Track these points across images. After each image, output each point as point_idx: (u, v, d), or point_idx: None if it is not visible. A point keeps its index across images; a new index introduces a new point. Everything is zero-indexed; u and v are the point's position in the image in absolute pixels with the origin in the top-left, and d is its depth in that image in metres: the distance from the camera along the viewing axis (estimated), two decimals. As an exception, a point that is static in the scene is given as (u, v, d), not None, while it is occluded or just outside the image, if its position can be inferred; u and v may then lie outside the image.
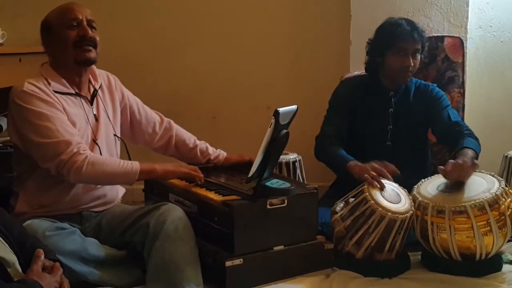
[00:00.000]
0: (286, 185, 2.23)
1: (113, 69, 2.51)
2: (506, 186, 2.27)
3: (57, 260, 1.71)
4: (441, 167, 2.32)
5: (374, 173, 2.31)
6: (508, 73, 3.34)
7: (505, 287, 2.17)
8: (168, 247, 2.02)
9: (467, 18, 3.17)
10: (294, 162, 2.96)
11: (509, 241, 2.35)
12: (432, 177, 2.45)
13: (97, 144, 2.24)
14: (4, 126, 2.88)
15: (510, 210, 2.24)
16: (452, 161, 2.32)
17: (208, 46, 3.46)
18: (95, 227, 2.25)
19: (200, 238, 2.14)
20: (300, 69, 3.47)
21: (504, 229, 2.23)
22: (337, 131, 2.63)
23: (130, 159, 2.25)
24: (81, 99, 2.25)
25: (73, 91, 2.23)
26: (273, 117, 2.08)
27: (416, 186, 2.41)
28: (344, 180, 2.56)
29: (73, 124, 2.16)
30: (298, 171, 2.98)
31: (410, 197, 2.33)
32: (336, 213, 2.32)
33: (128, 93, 2.48)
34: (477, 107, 3.25)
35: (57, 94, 2.16)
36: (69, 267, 1.92)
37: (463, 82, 3.03)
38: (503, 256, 2.38)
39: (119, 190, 2.42)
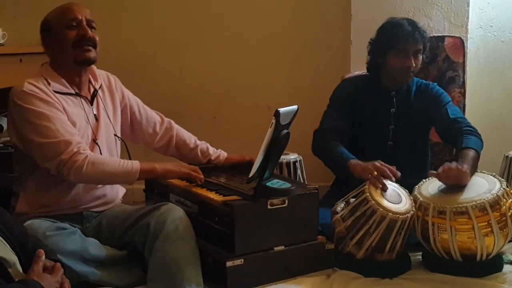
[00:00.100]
0: (287, 185, 2.22)
1: (113, 69, 2.51)
2: (507, 187, 2.27)
3: (58, 260, 1.71)
4: (433, 172, 2.32)
5: (377, 173, 2.29)
6: (508, 73, 3.33)
7: (506, 287, 2.16)
8: (169, 247, 2.02)
9: (467, 18, 3.16)
10: (294, 162, 2.96)
11: (510, 241, 2.35)
12: (432, 177, 2.44)
13: (97, 144, 2.24)
14: (4, 126, 2.87)
15: (511, 211, 2.23)
16: (446, 165, 2.29)
17: (208, 46, 3.46)
18: (96, 227, 2.24)
19: (200, 238, 2.13)
20: (300, 69, 3.46)
21: (505, 229, 2.23)
22: (337, 126, 2.60)
23: (130, 159, 2.25)
24: (81, 99, 2.25)
25: (73, 91, 2.23)
26: (274, 117, 2.08)
27: (417, 186, 2.40)
28: (343, 179, 2.55)
29: (73, 124, 2.15)
30: (299, 171, 2.98)
31: (411, 198, 2.33)
32: (337, 213, 2.32)
33: (128, 93, 2.48)
34: (477, 107, 3.24)
35: (57, 94, 2.16)
36: (69, 267, 1.92)
37: (463, 82, 3.03)
38: (504, 256, 2.38)
39: (120, 190, 2.42)
